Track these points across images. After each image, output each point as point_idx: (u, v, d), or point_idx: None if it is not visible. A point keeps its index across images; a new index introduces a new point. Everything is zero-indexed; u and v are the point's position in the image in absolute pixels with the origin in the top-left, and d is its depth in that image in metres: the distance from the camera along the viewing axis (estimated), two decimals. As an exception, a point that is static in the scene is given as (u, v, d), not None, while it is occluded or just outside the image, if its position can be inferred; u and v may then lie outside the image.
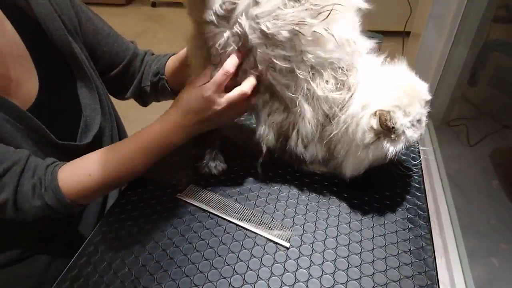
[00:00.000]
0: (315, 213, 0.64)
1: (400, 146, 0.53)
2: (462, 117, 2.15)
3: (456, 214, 1.69)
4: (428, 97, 0.60)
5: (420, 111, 0.56)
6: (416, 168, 0.69)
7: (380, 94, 0.55)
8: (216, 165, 0.75)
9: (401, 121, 0.53)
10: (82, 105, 0.77)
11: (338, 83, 0.57)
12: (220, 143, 0.71)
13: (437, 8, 1.80)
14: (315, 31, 0.56)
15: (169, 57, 0.88)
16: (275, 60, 0.58)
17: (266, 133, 0.62)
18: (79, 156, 0.74)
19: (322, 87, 0.57)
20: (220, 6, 0.56)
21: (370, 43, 0.64)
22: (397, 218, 0.61)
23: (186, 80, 0.70)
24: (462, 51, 1.91)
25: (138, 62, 0.87)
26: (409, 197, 0.65)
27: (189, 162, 0.78)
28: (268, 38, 0.56)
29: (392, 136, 0.53)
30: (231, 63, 0.60)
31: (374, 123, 0.52)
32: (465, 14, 1.75)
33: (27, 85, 0.69)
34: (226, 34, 0.58)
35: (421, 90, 0.59)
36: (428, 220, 0.62)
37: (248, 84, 0.60)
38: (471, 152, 1.96)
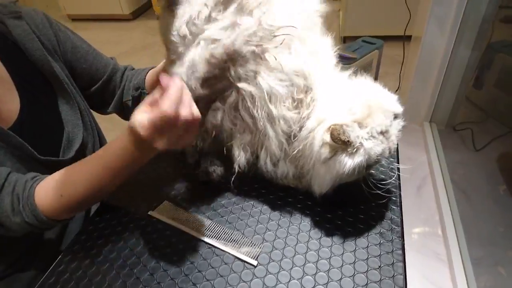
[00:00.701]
0: (286, 229, 0.62)
1: (359, 159, 0.51)
2: (468, 120, 2.10)
3: (460, 221, 1.64)
4: (397, 108, 0.57)
5: (383, 122, 0.53)
6: (393, 181, 0.67)
7: (336, 108, 0.53)
8: (214, 169, 0.75)
9: (356, 133, 0.50)
10: (64, 121, 0.79)
11: (295, 102, 0.56)
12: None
13: (436, 10, 1.77)
14: (266, 57, 0.55)
15: (148, 71, 0.89)
16: (237, 80, 0.57)
17: (237, 154, 0.61)
18: None
19: (278, 107, 0.56)
20: (182, 28, 0.56)
21: (334, 59, 0.63)
22: (369, 232, 0.59)
23: None
24: (465, 52, 1.86)
25: (118, 77, 0.88)
26: (383, 210, 0.63)
27: (165, 177, 0.78)
28: (229, 56, 0.55)
29: (349, 149, 0.51)
30: (169, 102, 0.51)
31: (328, 138, 0.50)
32: (466, 15, 1.72)
33: (8, 105, 0.71)
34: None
35: (386, 102, 0.56)
36: (401, 235, 0.59)
37: (172, 103, 0.51)
38: (477, 156, 1.90)
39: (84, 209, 0.71)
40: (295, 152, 0.58)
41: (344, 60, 1.99)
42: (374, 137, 0.52)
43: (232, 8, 0.55)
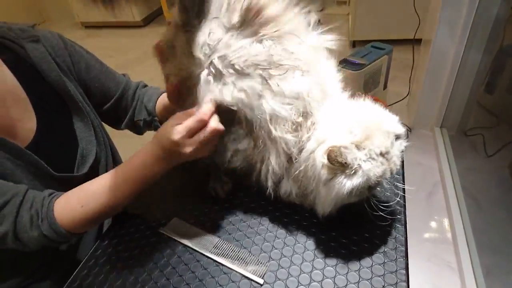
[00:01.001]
0: (292, 247, 0.64)
1: (357, 181, 0.51)
2: (479, 126, 2.07)
3: (471, 229, 1.63)
4: (398, 129, 0.58)
5: (383, 144, 0.53)
6: (399, 200, 0.68)
7: (336, 130, 0.54)
8: (222, 186, 0.78)
9: (353, 155, 0.51)
10: (79, 138, 0.81)
11: (294, 125, 0.57)
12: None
13: (447, 13, 1.75)
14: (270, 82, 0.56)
15: (161, 94, 0.91)
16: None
17: (234, 160, 0.64)
18: (76, 186, 0.80)
19: (279, 129, 0.57)
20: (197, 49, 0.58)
21: (338, 82, 0.63)
22: (374, 251, 0.60)
23: None
24: (476, 56, 1.84)
25: (130, 95, 0.91)
26: (388, 229, 0.64)
27: (174, 195, 0.80)
28: (238, 74, 0.57)
29: (347, 171, 0.52)
30: (205, 112, 0.61)
31: (325, 160, 0.51)
32: (477, 17, 1.70)
33: (26, 124, 0.74)
34: (204, 72, 0.60)
35: (386, 123, 0.57)
36: (405, 254, 0.60)
37: (207, 113, 0.60)
38: (488, 163, 1.88)
39: (102, 221, 0.74)
40: (296, 173, 0.60)
41: (354, 66, 1.99)
42: (373, 158, 0.53)
43: (246, 34, 0.56)
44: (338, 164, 0.52)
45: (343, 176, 0.53)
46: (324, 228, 0.67)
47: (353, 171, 0.52)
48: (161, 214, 0.75)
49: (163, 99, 0.90)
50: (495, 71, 2.03)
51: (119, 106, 0.91)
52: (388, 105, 2.25)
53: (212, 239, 0.68)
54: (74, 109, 0.81)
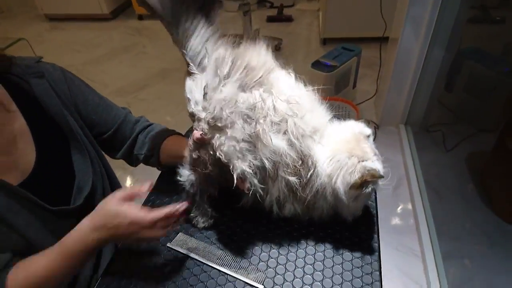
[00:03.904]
0: (285, 256, 0.74)
1: (380, 183, 0.68)
2: (439, 122, 2.25)
3: (432, 219, 1.81)
4: (368, 131, 0.72)
5: (368, 147, 0.69)
6: (371, 201, 0.81)
7: (340, 160, 0.66)
8: (203, 221, 0.83)
9: (371, 166, 0.66)
10: (76, 170, 0.84)
11: (296, 168, 0.66)
12: (209, 199, 0.79)
13: (413, 11, 1.85)
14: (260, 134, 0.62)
15: (168, 136, 0.93)
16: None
17: (245, 198, 0.72)
18: (73, 218, 0.78)
19: (282, 172, 0.66)
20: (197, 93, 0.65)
21: (327, 120, 0.73)
22: (353, 257, 0.72)
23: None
24: (438, 54, 1.98)
25: (128, 129, 0.91)
26: (364, 236, 0.76)
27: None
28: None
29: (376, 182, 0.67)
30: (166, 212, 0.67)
31: (359, 181, 0.65)
32: (440, 15, 1.82)
33: (27, 157, 0.77)
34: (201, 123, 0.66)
35: (361, 131, 0.71)
36: (378, 258, 0.73)
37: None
38: (447, 157, 2.06)
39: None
40: (306, 202, 0.71)
41: (326, 68, 2.11)
42: (378, 160, 0.69)
43: (233, 80, 0.63)
44: (375, 177, 0.65)
45: (370, 187, 0.67)
46: (311, 239, 0.78)
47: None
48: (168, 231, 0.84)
49: (170, 143, 0.92)
50: (454, 72, 2.20)
51: (115, 138, 0.92)
52: (357, 104, 2.38)
53: (216, 251, 0.78)
54: (73, 141, 0.84)
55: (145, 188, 0.70)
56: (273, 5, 4.08)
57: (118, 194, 0.67)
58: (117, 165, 1.03)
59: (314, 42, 3.43)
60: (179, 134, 0.97)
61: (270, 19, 3.87)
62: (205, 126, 0.65)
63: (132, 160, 0.97)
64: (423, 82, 2.11)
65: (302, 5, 4.15)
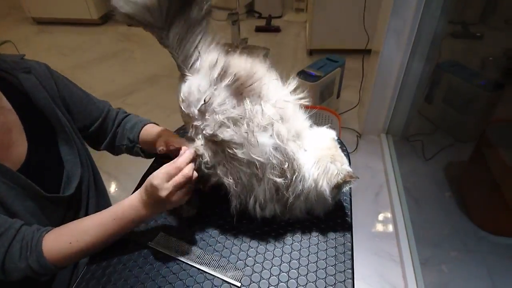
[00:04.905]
0: (263, 255, 0.77)
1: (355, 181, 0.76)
2: (419, 132, 2.32)
3: (411, 226, 1.86)
4: (336, 137, 0.82)
5: (341, 151, 0.79)
6: (346, 204, 0.85)
7: (323, 164, 0.74)
8: (188, 209, 0.85)
9: (351, 169, 0.75)
10: (64, 160, 0.87)
11: (281, 170, 0.70)
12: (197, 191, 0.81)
13: (394, 23, 1.92)
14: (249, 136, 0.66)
15: (143, 125, 0.97)
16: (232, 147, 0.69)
17: (234, 203, 0.75)
18: (65, 205, 0.86)
19: (268, 173, 0.70)
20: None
21: (307, 125, 0.78)
22: (327, 256, 0.76)
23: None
24: (419, 66, 2.03)
25: (110, 121, 0.96)
26: (338, 235, 0.80)
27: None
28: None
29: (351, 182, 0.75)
30: (182, 161, 0.69)
31: (341, 181, 0.73)
32: (420, 28, 1.88)
33: (18, 148, 0.80)
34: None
35: (333, 137, 0.81)
36: (351, 257, 0.76)
37: (185, 161, 0.70)
38: (426, 165, 2.12)
39: (86, 257, 0.77)
40: (288, 202, 0.75)
41: (311, 78, 2.16)
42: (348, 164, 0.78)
43: (224, 85, 0.67)
44: (353, 178, 0.74)
45: (348, 186, 0.76)
46: (288, 239, 0.81)
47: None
48: (148, 230, 0.85)
49: (146, 134, 0.96)
50: (433, 84, 2.28)
51: (100, 131, 0.97)
52: (340, 113, 2.44)
53: (195, 250, 0.80)
54: (60, 133, 0.87)
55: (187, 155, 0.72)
56: (262, 15, 4.15)
57: (163, 170, 0.70)
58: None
59: (300, 52, 3.50)
60: (154, 123, 1.01)
61: (259, 29, 3.93)
62: (202, 142, 0.72)
63: (115, 151, 1.00)
64: (404, 93, 2.18)
65: (290, 16, 4.23)
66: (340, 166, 0.75)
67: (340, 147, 0.80)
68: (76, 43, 4.05)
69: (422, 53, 2.02)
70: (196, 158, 0.73)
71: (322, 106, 2.23)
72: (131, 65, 3.53)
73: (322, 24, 3.06)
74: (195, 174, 0.71)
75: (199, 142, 0.72)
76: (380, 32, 2.08)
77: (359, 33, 2.39)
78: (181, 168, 0.69)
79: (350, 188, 0.79)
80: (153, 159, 1.02)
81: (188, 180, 0.69)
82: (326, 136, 0.79)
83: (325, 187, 0.74)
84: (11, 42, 2.71)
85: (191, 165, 0.71)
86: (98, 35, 4.20)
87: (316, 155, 0.75)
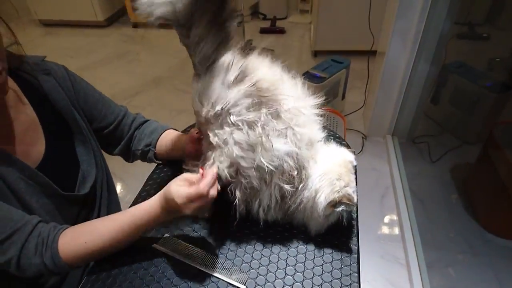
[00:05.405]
0: (268, 257, 0.76)
1: (352, 208, 0.74)
2: (425, 134, 2.30)
3: (417, 228, 1.84)
4: (354, 162, 0.76)
5: (353, 177, 0.75)
6: (353, 214, 0.83)
7: (329, 179, 0.72)
8: (203, 212, 0.83)
9: (352, 194, 0.72)
10: (80, 160, 0.89)
11: (291, 177, 0.70)
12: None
13: (400, 24, 1.90)
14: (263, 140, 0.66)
15: (164, 130, 0.98)
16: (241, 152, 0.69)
17: (240, 207, 0.74)
18: (79, 204, 0.87)
19: (277, 178, 0.70)
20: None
21: (320, 137, 0.77)
22: (333, 259, 0.75)
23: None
24: (424, 67, 2.02)
25: (126, 125, 0.96)
26: (344, 239, 0.79)
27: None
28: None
29: (350, 205, 0.72)
30: (206, 185, 0.68)
31: (340, 208, 0.71)
32: (426, 29, 1.86)
33: (37, 147, 0.82)
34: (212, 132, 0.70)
35: (350, 160, 0.75)
36: (357, 260, 0.76)
37: (208, 186, 0.69)
38: (433, 167, 2.11)
39: (101, 257, 0.78)
40: (290, 210, 0.75)
41: (316, 79, 2.15)
42: (355, 192, 0.73)
43: (242, 90, 0.66)
44: (350, 203, 0.72)
45: (342, 208, 0.72)
46: (294, 242, 0.81)
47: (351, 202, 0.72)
48: (153, 232, 0.85)
49: (167, 140, 0.96)
50: (439, 85, 2.26)
51: (114, 134, 0.97)
52: (345, 115, 2.43)
53: (200, 252, 0.80)
54: (77, 134, 0.89)
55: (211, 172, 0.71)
56: (266, 17, 4.15)
57: (185, 193, 0.69)
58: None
59: (305, 53, 3.49)
60: (174, 129, 1.01)
61: (263, 31, 3.93)
62: (226, 164, 0.71)
63: (129, 156, 1.01)
64: (410, 94, 2.16)
65: (294, 17, 4.23)
66: (343, 185, 0.73)
67: (352, 173, 0.78)
68: (81, 45, 4.08)
69: (428, 54, 2.01)
70: (216, 179, 0.71)
71: (327, 107, 2.22)
72: (136, 67, 3.54)
73: (327, 26, 3.04)
74: (216, 194, 0.70)
75: (222, 166, 0.72)
76: (386, 33, 2.07)
77: (364, 34, 2.38)
78: (203, 194, 0.68)
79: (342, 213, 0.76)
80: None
81: (211, 200, 0.69)
82: (343, 156, 0.78)
83: (321, 199, 0.72)
84: (18, 44, 2.73)
85: (215, 188, 0.70)
86: (103, 37, 4.23)
87: (325, 169, 0.74)
